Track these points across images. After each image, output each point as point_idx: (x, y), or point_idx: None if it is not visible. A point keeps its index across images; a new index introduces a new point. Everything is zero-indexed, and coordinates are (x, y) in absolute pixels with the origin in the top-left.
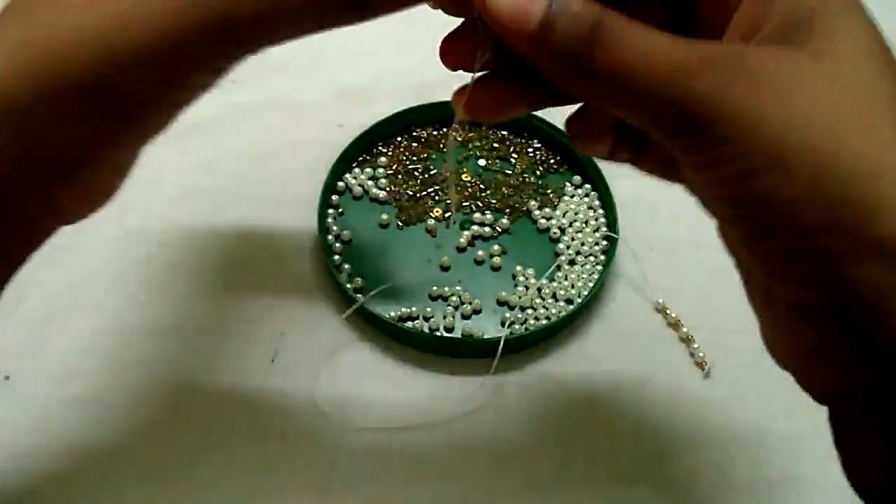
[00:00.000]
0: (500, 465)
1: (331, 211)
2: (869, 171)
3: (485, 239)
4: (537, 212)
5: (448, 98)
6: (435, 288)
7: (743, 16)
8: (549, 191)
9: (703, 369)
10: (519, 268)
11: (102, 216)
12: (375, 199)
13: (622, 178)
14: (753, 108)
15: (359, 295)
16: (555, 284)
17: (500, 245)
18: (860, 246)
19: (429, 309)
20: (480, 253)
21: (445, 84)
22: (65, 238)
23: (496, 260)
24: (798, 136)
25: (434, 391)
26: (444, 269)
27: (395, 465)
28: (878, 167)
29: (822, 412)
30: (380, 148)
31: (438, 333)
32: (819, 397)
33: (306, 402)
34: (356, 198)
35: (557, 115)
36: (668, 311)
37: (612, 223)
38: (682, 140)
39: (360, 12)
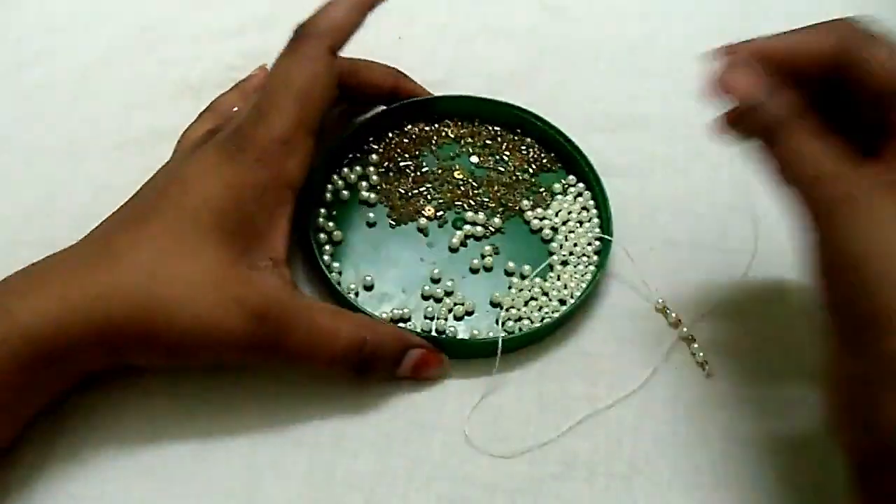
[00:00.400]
0: (498, 463)
1: (321, 210)
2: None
3: (477, 238)
4: (530, 211)
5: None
6: (427, 288)
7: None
8: (541, 189)
9: (703, 369)
10: (512, 267)
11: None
12: (366, 198)
13: (617, 177)
14: (844, 224)
15: (350, 295)
16: (548, 284)
17: (492, 244)
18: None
19: (421, 309)
20: (473, 252)
21: (444, 83)
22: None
23: (488, 260)
24: (869, 255)
25: (427, 382)
26: (437, 268)
27: (397, 464)
28: None
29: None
30: (371, 145)
31: (433, 334)
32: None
33: (307, 402)
34: (346, 196)
35: (552, 112)
36: (668, 311)
37: (605, 223)
38: (806, 223)
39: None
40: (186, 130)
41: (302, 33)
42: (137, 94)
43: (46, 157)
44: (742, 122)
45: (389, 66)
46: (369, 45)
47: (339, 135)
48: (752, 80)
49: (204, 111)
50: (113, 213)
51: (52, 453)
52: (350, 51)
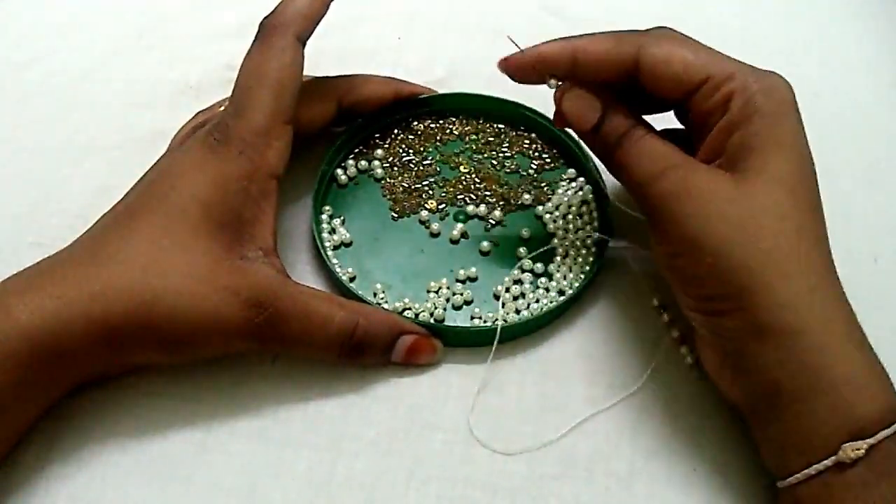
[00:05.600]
0: (498, 463)
1: (325, 201)
2: (750, 269)
3: (478, 231)
4: (531, 205)
5: (445, 91)
6: (427, 278)
7: (711, 142)
8: (543, 184)
9: (694, 371)
10: (512, 260)
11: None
12: (369, 191)
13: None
14: (684, 211)
15: (350, 284)
16: (547, 277)
17: (493, 237)
18: (740, 322)
19: (421, 299)
20: (473, 244)
21: (444, 83)
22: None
23: (489, 252)
24: (707, 236)
25: (427, 380)
26: (438, 260)
27: (397, 464)
28: (759, 267)
29: None
30: (376, 140)
31: (432, 322)
32: (730, 405)
33: (307, 402)
34: (350, 188)
35: (552, 112)
36: (662, 311)
37: (605, 217)
38: (650, 219)
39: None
40: (179, 130)
41: (268, 25)
42: (137, 94)
43: (46, 157)
44: (588, 142)
45: (386, 77)
46: (369, 45)
47: (345, 129)
48: (586, 106)
49: (199, 112)
50: (106, 213)
51: (52, 453)
52: (350, 51)
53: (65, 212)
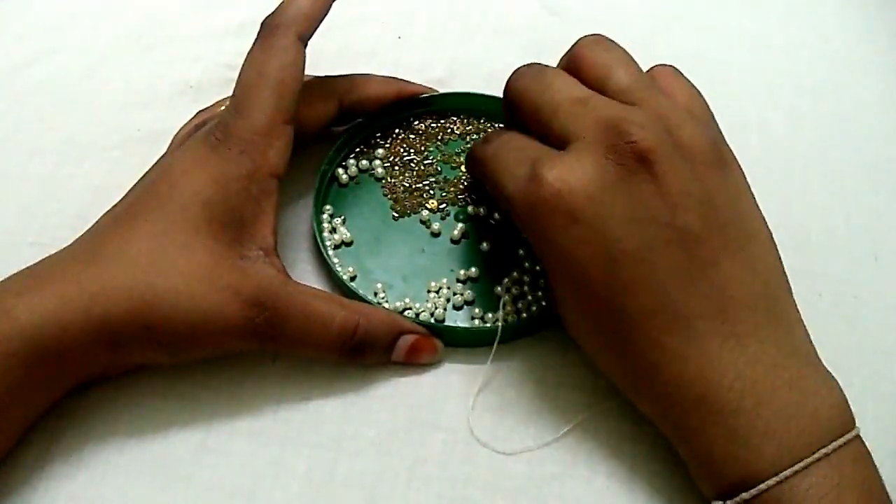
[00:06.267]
0: (498, 463)
1: (326, 206)
2: None
3: (479, 231)
4: None
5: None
6: (428, 279)
7: None
8: None
9: None
10: (512, 260)
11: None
12: (370, 190)
13: None
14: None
15: (351, 284)
16: (546, 279)
17: (494, 237)
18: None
19: (421, 299)
20: (474, 244)
21: (444, 83)
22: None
23: (490, 251)
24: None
25: (427, 380)
26: (438, 260)
27: (397, 464)
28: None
29: None
30: (377, 139)
31: (433, 322)
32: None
33: (307, 402)
34: (351, 188)
35: None
36: None
37: None
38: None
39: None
40: (179, 129)
41: (270, 25)
42: (137, 94)
43: (46, 157)
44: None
45: (387, 77)
46: (369, 45)
47: (346, 128)
48: None
49: (199, 112)
50: (106, 212)
51: (52, 453)
52: (350, 51)
53: (65, 212)
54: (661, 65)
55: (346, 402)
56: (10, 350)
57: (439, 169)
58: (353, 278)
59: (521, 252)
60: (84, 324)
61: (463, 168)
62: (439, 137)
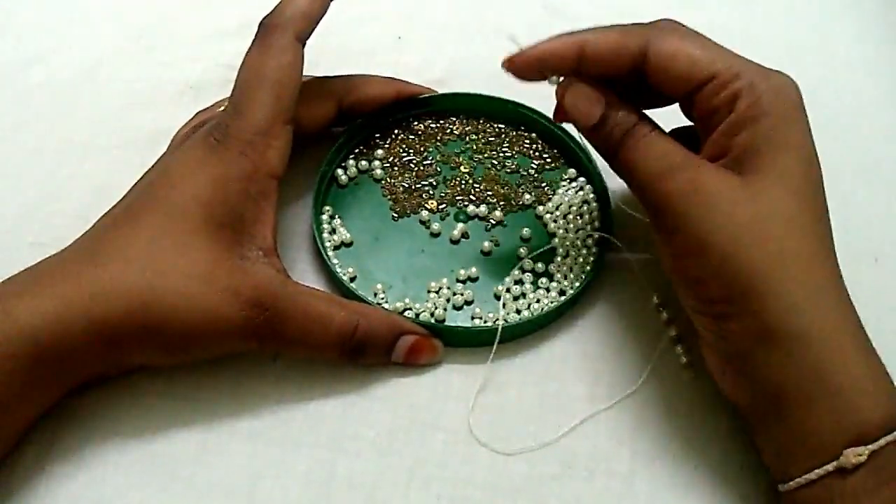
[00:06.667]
0: (498, 463)
1: (326, 207)
2: (756, 272)
3: (479, 231)
4: (532, 205)
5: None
6: (428, 279)
7: (716, 140)
8: (543, 184)
9: (688, 370)
10: (512, 258)
11: None
12: (370, 191)
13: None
14: (692, 211)
15: (350, 284)
16: (547, 277)
17: (493, 237)
18: (746, 325)
19: (421, 299)
20: (474, 244)
21: (444, 83)
22: None
23: (490, 252)
24: (714, 238)
25: (427, 380)
26: (438, 260)
27: (397, 464)
28: (765, 270)
29: None
30: (377, 140)
31: (433, 322)
32: (731, 406)
33: (307, 402)
34: (350, 188)
35: (551, 112)
36: (661, 310)
37: (606, 217)
38: (655, 220)
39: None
40: (179, 129)
41: (268, 25)
42: (137, 94)
43: (46, 157)
44: (591, 139)
45: (387, 77)
46: (369, 45)
47: (346, 129)
48: (589, 102)
49: (199, 112)
50: (105, 213)
51: (52, 453)
52: (350, 51)
53: (65, 212)
54: None
55: (346, 402)
56: (10, 351)
57: (439, 169)
58: (352, 279)
59: (521, 251)
60: (84, 324)
61: (462, 168)
62: (438, 138)
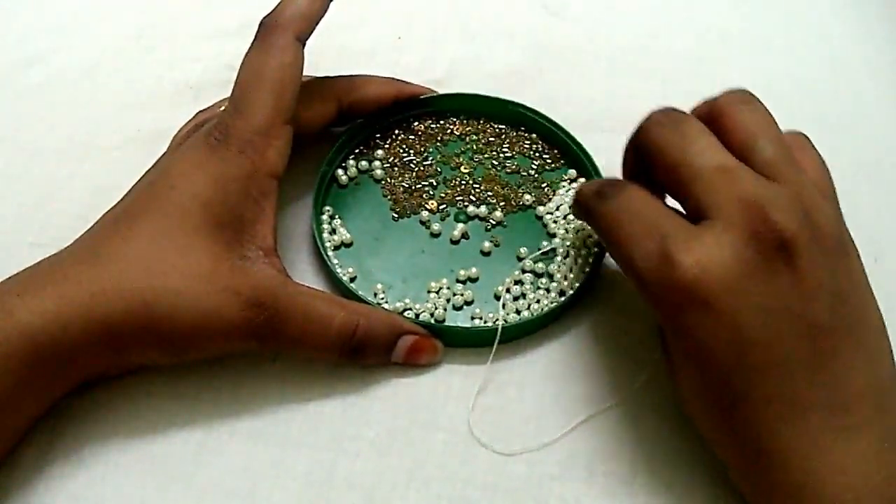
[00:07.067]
0: (498, 463)
1: (326, 207)
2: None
3: (479, 231)
4: (532, 205)
5: (448, 91)
6: (428, 279)
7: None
8: (544, 184)
9: None
10: (512, 260)
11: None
12: (370, 191)
13: (617, 175)
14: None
15: (350, 284)
16: (547, 278)
17: (494, 237)
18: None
19: (421, 299)
20: (474, 245)
21: (444, 83)
22: None
23: (490, 252)
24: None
25: (427, 380)
26: (438, 260)
27: (397, 464)
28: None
29: None
30: (377, 140)
31: (433, 322)
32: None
33: (307, 402)
34: (350, 189)
35: (551, 112)
36: None
37: None
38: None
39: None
40: (179, 129)
41: (268, 25)
42: (137, 94)
43: (46, 157)
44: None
45: (387, 77)
46: (369, 45)
47: (346, 129)
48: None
49: (199, 112)
50: (105, 213)
51: (52, 453)
52: (350, 51)
53: (65, 212)
54: (794, 132)
55: (345, 402)
56: (10, 350)
57: (439, 170)
58: (352, 279)
59: (521, 251)
60: (84, 324)
61: (462, 168)
62: (438, 138)
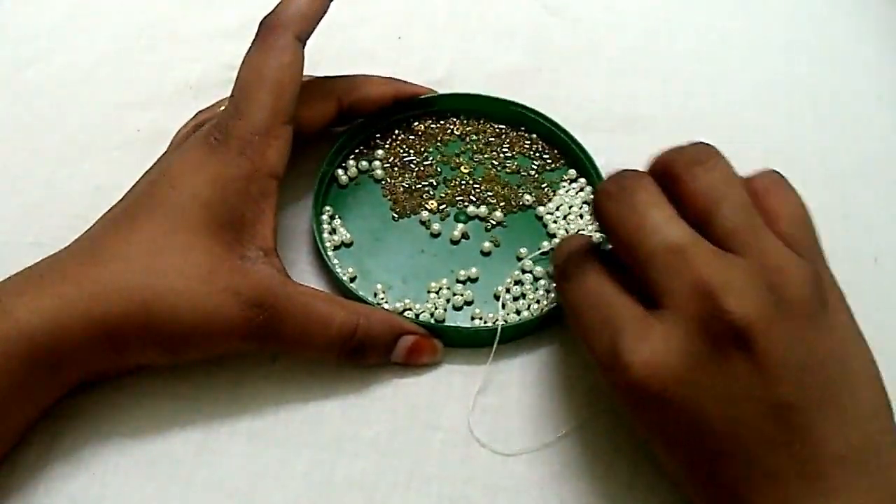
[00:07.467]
0: (498, 463)
1: (325, 201)
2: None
3: (479, 231)
4: (532, 205)
5: (445, 91)
6: (428, 279)
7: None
8: (544, 184)
9: None
10: (512, 260)
11: None
12: (370, 191)
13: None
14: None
15: (350, 284)
16: (548, 278)
17: (493, 237)
18: None
19: (421, 299)
20: (474, 245)
21: (444, 83)
22: None
23: (490, 252)
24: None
25: (427, 380)
26: (438, 260)
27: (397, 464)
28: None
29: None
30: (377, 140)
31: (433, 322)
32: None
33: (307, 402)
34: (350, 189)
35: (551, 112)
36: None
37: None
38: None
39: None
40: (179, 129)
41: (268, 25)
42: (137, 94)
43: (46, 157)
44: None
45: (386, 77)
46: (369, 45)
47: (346, 129)
48: None
49: (199, 112)
50: (105, 213)
51: (52, 454)
52: (350, 51)
53: (65, 212)
54: (765, 173)
55: (345, 402)
56: (10, 350)
57: (439, 170)
58: (352, 279)
59: (521, 252)
60: (84, 324)
61: (462, 169)
62: (439, 138)
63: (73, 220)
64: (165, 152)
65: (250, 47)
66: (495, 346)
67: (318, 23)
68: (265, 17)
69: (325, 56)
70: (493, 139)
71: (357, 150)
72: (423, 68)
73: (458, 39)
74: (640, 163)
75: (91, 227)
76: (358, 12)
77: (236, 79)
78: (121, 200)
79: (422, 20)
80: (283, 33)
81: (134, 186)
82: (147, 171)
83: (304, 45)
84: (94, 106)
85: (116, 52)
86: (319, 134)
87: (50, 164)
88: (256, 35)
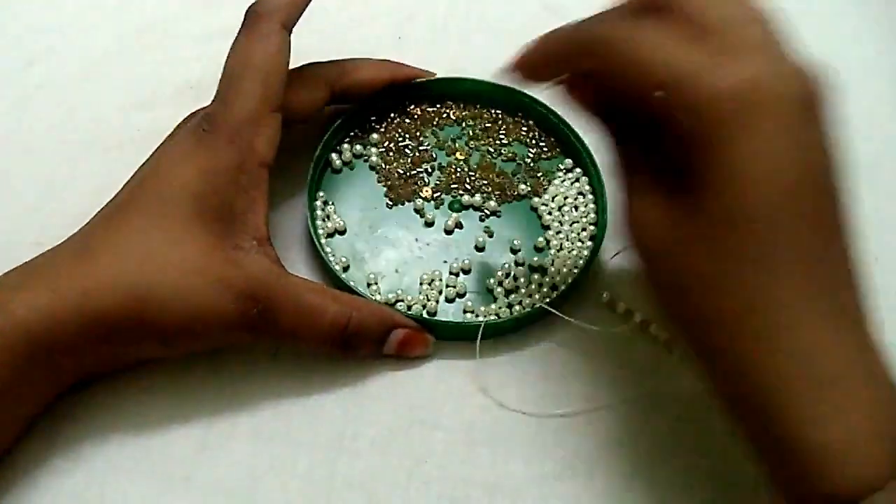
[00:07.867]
0: (497, 461)
1: (320, 193)
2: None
3: (473, 221)
4: (527, 195)
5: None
6: (420, 269)
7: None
8: (539, 173)
9: (669, 351)
10: (506, 251)
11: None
12: (364, 177)
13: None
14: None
15: (343, 274)
16: (540, 272)
17: (488, 227)
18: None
19: (414, 290)
20: (468, 235)
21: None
22: None
23: (483, 242)
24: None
25: (427, 379)
26: (431, 249)
27: (397, 464)
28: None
29: None
30: (372, 124)
31: (424, 315)
32: None
33: (307, 401)
34: (345, 174)
35: (549, 96)
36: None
37: (601, 209)
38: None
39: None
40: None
41: (254, 13)
42: (137, 94)
43: (46, 157)
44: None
45: (381, 60)
46: (369, 44)
47: (341, 112)
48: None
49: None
50: (99, 210)
51: (52, 451)
52: (350, 51)
53: (65, 212)
54: None
55: (345, 401)
56: (6, 344)
57: (434, 155)
58: (345, 268)
59: (514, 243)
60: (77, 318)
61: (458, 155)
62: (435, 122)
63: (73, 220)
64: (158, 146)
65: (237, 36)
66: (479, 340)
67: (303, 10)
68: (251, 6)
69: (325, 56)
70: (489, 125)
71: (352, 134)
72: (423, 68)
73: (458, 39)
74: None
75: (86, 224)
76: (358, 12)
77: (223, 68)
78: (114, 196)
79: (422, 20)
80: (268, 21)
81: (127, 182)
82: (140, 167)
83: (291, 32)
84: (94, 106)
85: (117, 52)
86: (313, 120)
87: (50, 164)
88: (243, 24)
